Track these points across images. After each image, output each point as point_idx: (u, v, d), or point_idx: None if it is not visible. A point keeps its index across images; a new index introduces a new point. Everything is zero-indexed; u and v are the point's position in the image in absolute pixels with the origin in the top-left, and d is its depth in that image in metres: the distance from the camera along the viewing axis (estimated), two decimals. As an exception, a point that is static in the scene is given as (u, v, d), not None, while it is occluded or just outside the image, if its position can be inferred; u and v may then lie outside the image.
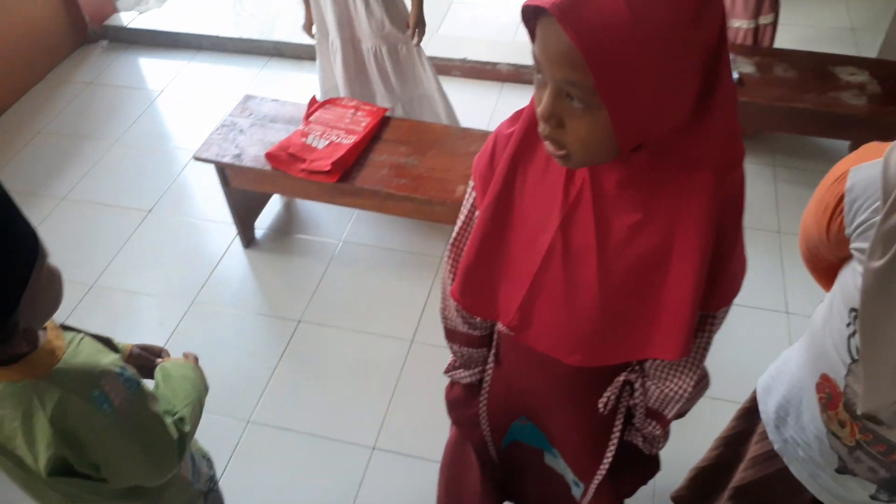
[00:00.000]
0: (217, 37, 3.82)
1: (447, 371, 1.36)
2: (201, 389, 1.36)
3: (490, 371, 1.28)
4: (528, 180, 0.97)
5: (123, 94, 3.57)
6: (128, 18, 3.97)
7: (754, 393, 1.36)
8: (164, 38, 3.89)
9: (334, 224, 2.85)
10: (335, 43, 2.63)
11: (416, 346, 2.40)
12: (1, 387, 1.00)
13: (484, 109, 3.39)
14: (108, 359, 1.08)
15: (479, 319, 1.21)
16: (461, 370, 1.33)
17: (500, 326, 1.18)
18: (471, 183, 1.09)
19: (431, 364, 2.33)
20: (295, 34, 3.71)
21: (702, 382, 1.10)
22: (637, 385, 1.12)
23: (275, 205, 2.91)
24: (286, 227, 2.85)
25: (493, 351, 1.26)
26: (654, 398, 1.13)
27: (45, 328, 1.07)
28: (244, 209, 2.69)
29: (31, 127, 3.37)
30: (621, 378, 1.11)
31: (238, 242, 2.77)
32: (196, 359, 1.43)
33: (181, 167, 3.12)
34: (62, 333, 1.09)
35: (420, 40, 2.63)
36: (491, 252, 1.02)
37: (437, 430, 2.13)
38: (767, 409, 1.27)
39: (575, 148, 0.81)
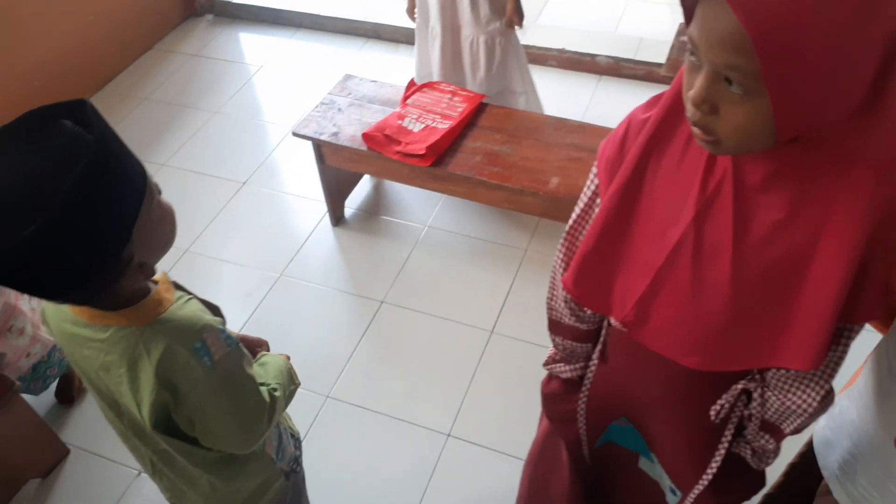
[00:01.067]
0: (317, 15, 3.86)
1: (546, 364, 1.33)
2: (293, 381, 1.37)
3: (594, 367, 1.24)
4: (662, 169, 0.93)
5: (225, 68, 3.67)
6: (233, -6, 4.07)
7: (806, 448, 1.26)
8: (266, 15, 3.97)
9: (421, 208, 2.85)
10: (435, 29, 2.62)
11: (495, 337, 2.37)
12: (110, 332, 1.02)
13: (579, 102, 3.31)
14: (211, 317, 1.10)
15: (588, 312, 1.17)
16: (562, 364, 1.29)
17: (611, 321, 1.14)
18: (593, 169, 1.05)
19: (510, 357, 2.31)
20: (394, 17, 3.75)
21: (828, 398, 1.02)
22: (756, 395, 1.06)
23: (364, 185, 2.93)
24: (374, 208, 2.87)
25: (599, 347, 1.22)
26: (772, 410, 1.06)
27: (156, 282, 1.09)
28: (336, 188, 2.73)
29: (138, 94, 3.51)
30: (739, 386, 1.05)
31: (327, 220, 2.81)
32: (288, 357, 1.44)
33: (276, 142, 3.19)
34: (173, 289, 1.12)
35: (520, 25, 2.60)
36: (611, 242, 0.98)
37: (512, 423, 2.12)
38: (830, 465, 1.17)
39: (728, 135, 0.77)
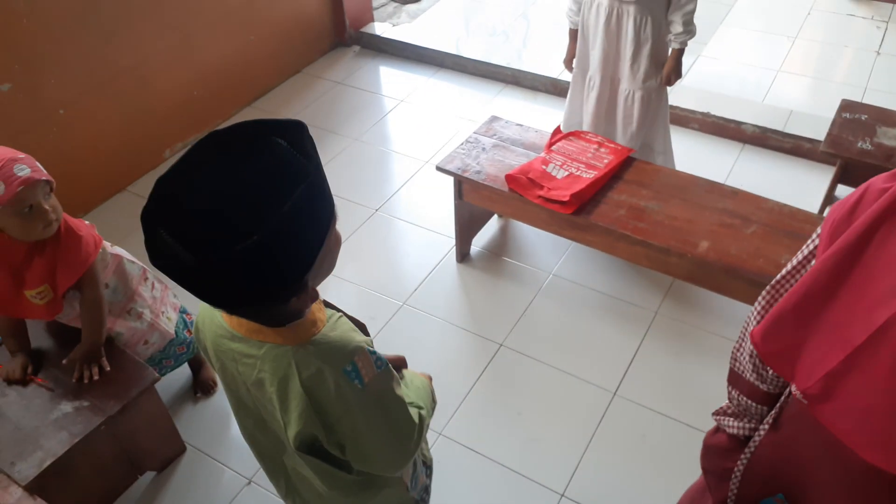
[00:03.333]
0: (460, 56, 3.94)
1: (717, 414, 1.26)
2: (434, 401, 1.35)
3: (763, 432, 1.15)
4: (889, 244, 0.86)
5: (367, 98, 3.78)
6: (381, 28, 4.22)
7: None
8: (410, 52, 4.08)
9: (546, 255, 2.80)
10: (594, 80, 2.61)
11: (618, 399, 2.26)
12: (265, 349, 1.02)
13: (720, 168, 3.20)
14: (361, 337, 1.09)
15: (770, 373, 1.09)
16: (731, 418, 1.22)
17: (793, 389, 1.05)
18: (817, 230, 1.00)
19: (633, 422, 2.19)
20: (534, 65, 3.78)
21: None
22: None
23: (492, 225, 2.91)
24: (499, 249, 2.84)
25: (773, 412, 1.13)
26: None
27: None
28: (467, 224, 2.72)
29: (283, 114, 3.65)
30: None
31: (452, 255, 2.80)
32: (430, 378, 1.42)
33: (409, 175, 3.23)
34: (324, 307, 1.11)
35: (671, 84, 2.57)
36: (813, 305, 0.93)
37: (630, 492, 2.01)
38: None
39: None
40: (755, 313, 1.09)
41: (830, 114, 2.90)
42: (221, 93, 3.53)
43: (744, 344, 1.13)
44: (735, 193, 2.33)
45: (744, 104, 3.49)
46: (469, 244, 2.81)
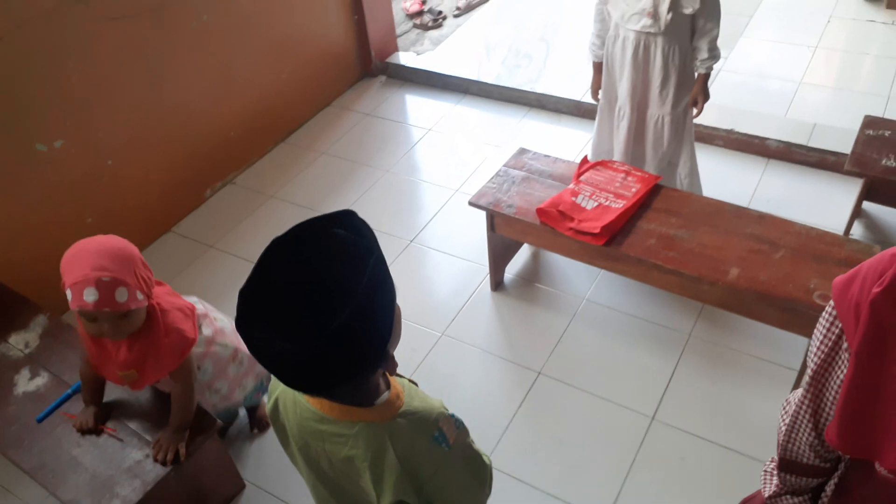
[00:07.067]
0: (484, 83, 4.02)
1: (772, 497, 1.28)
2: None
3: (827, 499, 1.19)
4: None
5: (395, 128, 3.89)
6: (405, 58, 4.33)
7: None
8: (436, 80, 4.18)
9: (578, 281, 2.87)
10: (623, 110, 2.69)
11: (656, 424, 2.33)
12: (357, 428, 1.09)
13: (746, 184, 3.25)
14: (437, 401, 1.18)
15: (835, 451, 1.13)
16: (788, 496, 1.25)
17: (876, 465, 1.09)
18: (832, 311, 1.02)
19: (672, 447, 2.26)
20: (558, 88, 3.86)
21: None
22: None
23: (524, 252, 3.00)
24: (532, 276, 2.92)
25: (835, 480, 1.17)
26: None
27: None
28: (500, 254, 2.80)
29: (316, 148, 3.78)
30: None
31: (486, 283, 2.88)
32: None
33: (441, 204, 3.32)
34: (394, 378, 1.20)
35: (699, 111, 2.63)
36: (875, 391, 0.95)
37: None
38: None
39: None
40: (804, 407, 1.10)
41: (854, 125, 2.94)
42: (257, 130, 3.66)
43: (797, 436, 1.14)
44: (762, 218, 2.38)
45: (767, 119, 3.53)
46: (503, 272, 2.89)
